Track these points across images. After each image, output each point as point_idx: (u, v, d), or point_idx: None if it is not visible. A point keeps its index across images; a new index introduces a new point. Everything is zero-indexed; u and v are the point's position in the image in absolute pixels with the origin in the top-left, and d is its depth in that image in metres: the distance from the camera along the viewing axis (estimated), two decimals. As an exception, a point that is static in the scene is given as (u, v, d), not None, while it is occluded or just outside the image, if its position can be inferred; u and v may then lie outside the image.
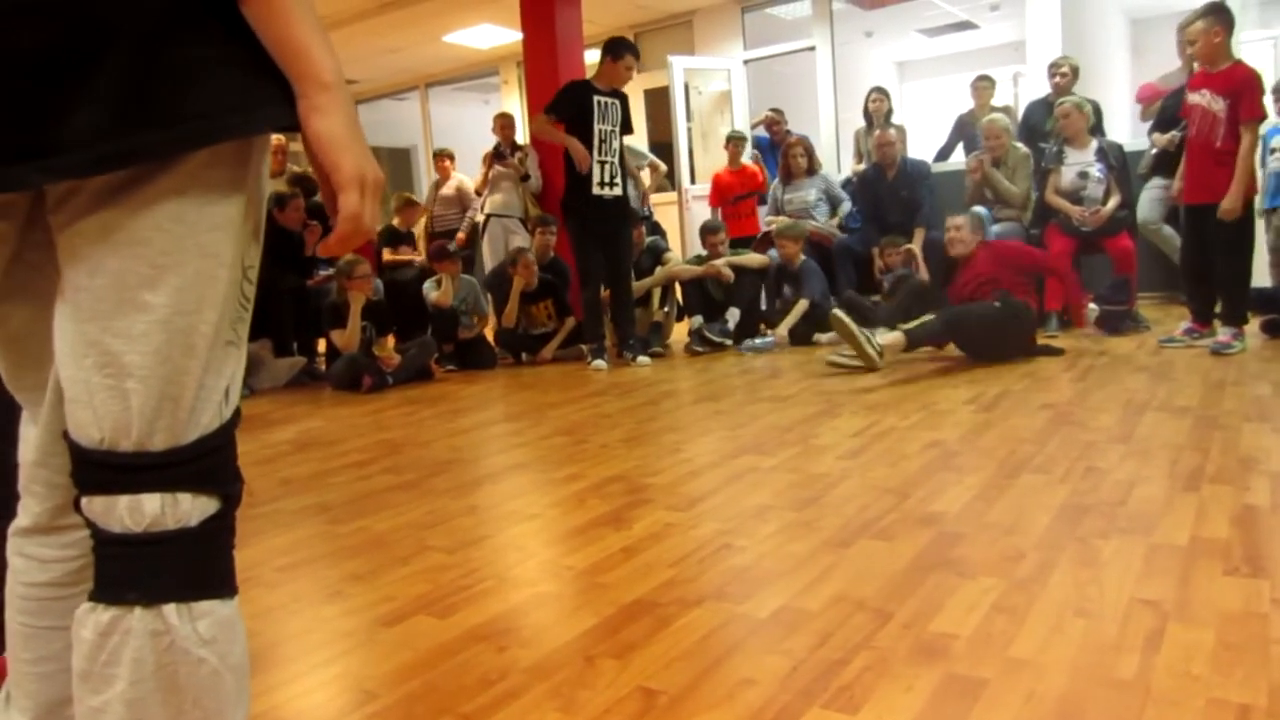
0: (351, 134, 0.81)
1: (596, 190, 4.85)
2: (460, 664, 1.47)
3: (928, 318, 4.10)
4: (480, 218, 6.66)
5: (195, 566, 0.79)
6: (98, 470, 0.78)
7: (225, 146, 0.79)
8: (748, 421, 3.22)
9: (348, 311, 4.75)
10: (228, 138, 0.78)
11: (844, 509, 2.14)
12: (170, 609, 0.77)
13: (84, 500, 0.79)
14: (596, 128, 4.84)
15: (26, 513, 0.91)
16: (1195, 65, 5.05)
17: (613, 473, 2.64)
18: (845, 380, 3.93)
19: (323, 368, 5.25)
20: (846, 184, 6.17)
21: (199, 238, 0.78)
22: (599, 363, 4.93)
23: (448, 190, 7.10)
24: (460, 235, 6.98)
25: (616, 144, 4.93)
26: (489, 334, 5.51)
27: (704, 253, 5.50)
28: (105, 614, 0.76)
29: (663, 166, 6.83)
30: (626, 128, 5.05)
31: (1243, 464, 2.28)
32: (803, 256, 5.29)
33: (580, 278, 5.06)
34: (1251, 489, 2.08)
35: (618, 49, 4.89)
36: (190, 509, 0.78)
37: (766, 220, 6.18)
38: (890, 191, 5.47)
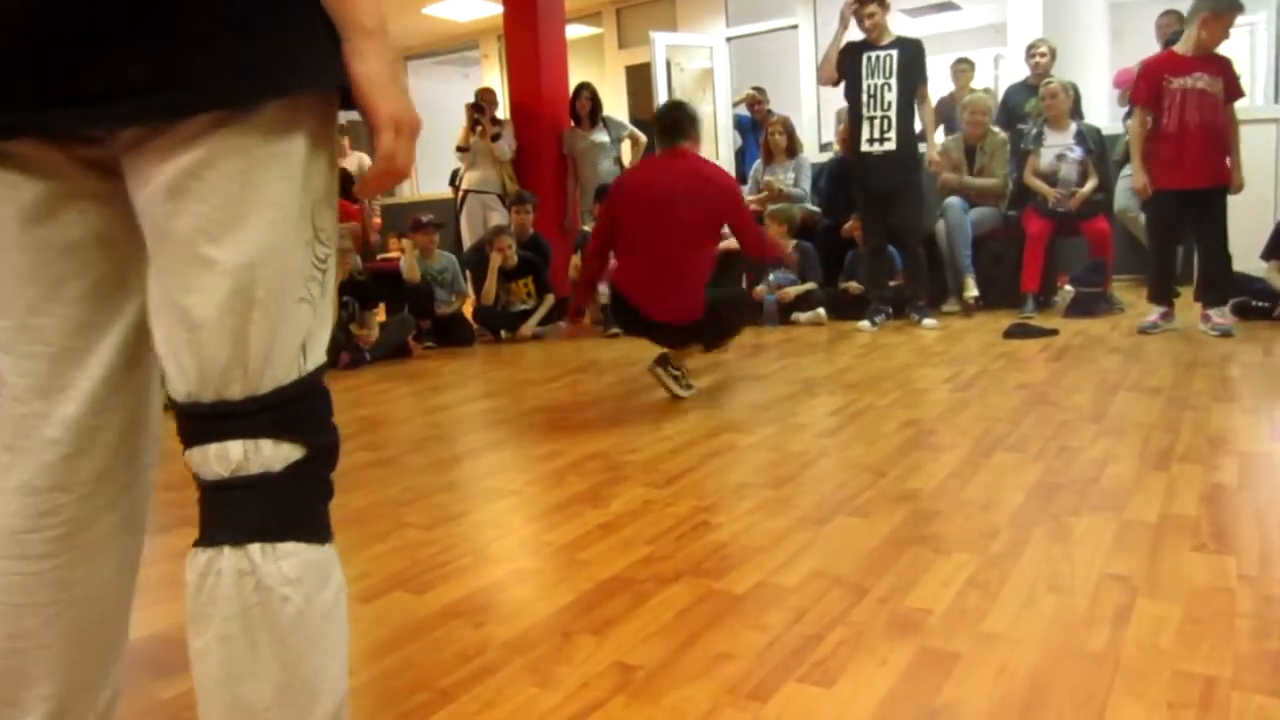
0: (390, 79, 0.84)
1: (865, 148, 4.76)
2: (437, 640, 1.47)
3: None
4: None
5: (280, 509, 0.82)
6: (189, 422, 0.83)
7: (290, 104, 0.80)
8: (726, 400, 3.23)
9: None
10: (272, 97, 0.79)
11: (821, 486, 2.16)
12: (255, 548, 0.80)
13: (185, 454, 0.84)
14: (865, 83, 4.76)
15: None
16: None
17: (591, 450, 2.64)
18: (824, 359, 3.94)
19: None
20: (820, 171, 6.14)
21: (263, 191, 0.79)
22: (928, 321, 4.75)
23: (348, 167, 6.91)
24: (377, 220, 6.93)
25: (890, 97, 4.74)
26: (467, 311, 5.47)
27: None
28: (201, 556, 0.81)
29: (643, 138, 6.78)
30: (914, 75, 4.75)
31: (1212, 443, 2.32)
32: (792, 241, 5.27)
33: (863, 237, 5.00)
34: (1220, 468, 2.12)
35: None
36: (272, 455, 0.82)
37: (747, 199, 6.16)
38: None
